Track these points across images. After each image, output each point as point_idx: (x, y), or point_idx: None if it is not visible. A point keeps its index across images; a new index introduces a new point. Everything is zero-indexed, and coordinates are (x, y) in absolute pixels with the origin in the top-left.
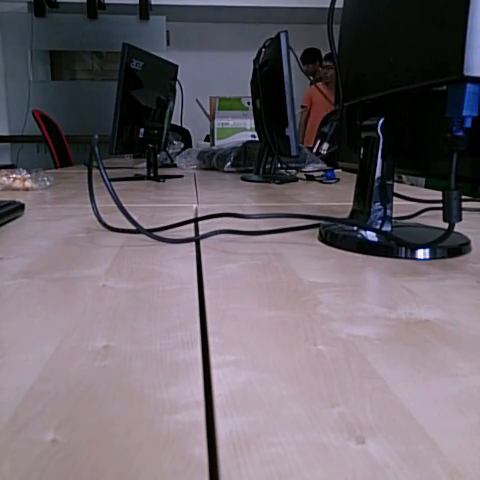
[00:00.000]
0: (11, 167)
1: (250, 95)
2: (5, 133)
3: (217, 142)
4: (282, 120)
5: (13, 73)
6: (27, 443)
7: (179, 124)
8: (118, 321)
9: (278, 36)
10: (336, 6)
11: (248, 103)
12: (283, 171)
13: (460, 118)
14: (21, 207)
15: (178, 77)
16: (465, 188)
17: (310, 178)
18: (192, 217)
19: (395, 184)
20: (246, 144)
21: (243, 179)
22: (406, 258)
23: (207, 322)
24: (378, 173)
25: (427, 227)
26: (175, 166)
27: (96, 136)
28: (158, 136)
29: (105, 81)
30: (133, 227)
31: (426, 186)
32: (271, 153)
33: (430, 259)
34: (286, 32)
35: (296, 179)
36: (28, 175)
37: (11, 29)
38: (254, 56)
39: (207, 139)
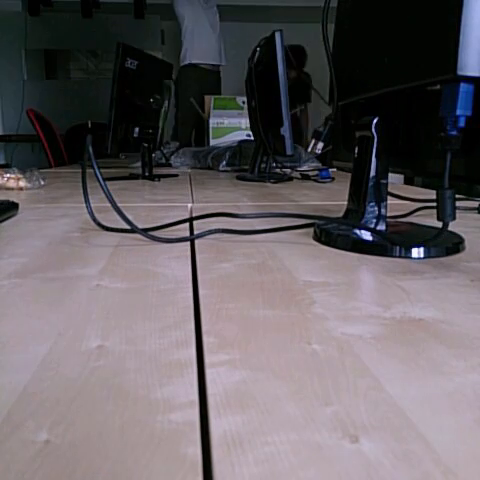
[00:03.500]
0: (5, 166)
1: (245, 94)
2: None
3: (212, 141)
4: (277, 119)
5: (7, 72)
6: (20, 444)
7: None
8: (112, 321)
9: (273, 35)
10: (330, 5)
11: (243, 102)
12: (278, 170)
13: (454, 117)
14: (15, 206)
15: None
16: (459, 187)
17: (305, 177)
18: (187, 216)
19: (389, 183)
20: (241, 143)
21: (238, 178)
22: (400, 257)
23: (201, 322)
24: (372, 172)
25: (421, 226)
26: (170, 165)
27: (90, 136)
28: (153, 135)
29: (100, 80)
30: (128, 226)
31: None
32: (266, 152)
33: (424, 258)
34: (281, 31)
35: (291, 178)
36: (22, 174)
37: (5, 28)
38: (249, 55)
39: None
